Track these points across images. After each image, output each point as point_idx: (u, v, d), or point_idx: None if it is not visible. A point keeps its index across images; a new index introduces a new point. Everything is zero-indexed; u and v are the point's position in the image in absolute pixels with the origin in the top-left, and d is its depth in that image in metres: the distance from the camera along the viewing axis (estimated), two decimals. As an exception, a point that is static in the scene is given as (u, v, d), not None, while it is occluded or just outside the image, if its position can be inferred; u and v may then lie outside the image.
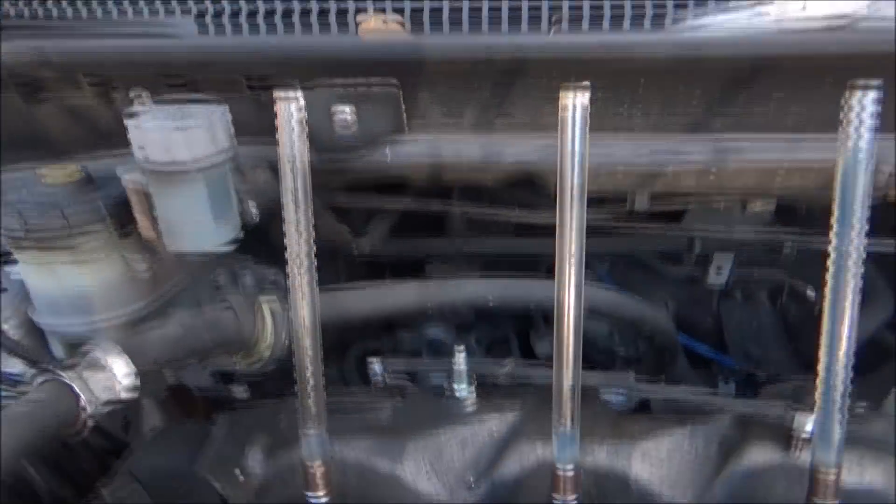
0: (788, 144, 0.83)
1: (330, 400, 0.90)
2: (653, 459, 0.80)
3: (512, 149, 0.86)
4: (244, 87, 0.87)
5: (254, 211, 0.90)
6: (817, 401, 0.68)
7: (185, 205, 0.80)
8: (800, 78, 0.79)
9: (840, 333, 0.65)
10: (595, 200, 1.32)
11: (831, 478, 0.69)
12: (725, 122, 0.84)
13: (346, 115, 0.86)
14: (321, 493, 0.72)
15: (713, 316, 1.63)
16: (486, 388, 0.90)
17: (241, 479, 0.79)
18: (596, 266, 1.42)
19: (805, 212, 1.48)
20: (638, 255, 1.37)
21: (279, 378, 0.85)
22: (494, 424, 0.84)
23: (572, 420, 0.71)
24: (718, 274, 1.53)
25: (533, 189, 1.11)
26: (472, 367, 0.89)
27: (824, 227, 0.65)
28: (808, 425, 0.76)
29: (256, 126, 0.89)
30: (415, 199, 1.25)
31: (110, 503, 0.76)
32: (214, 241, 0.84)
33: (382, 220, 1.33)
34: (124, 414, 1.08)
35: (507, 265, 1.11)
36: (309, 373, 0.71)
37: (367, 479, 0.80)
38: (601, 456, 0.80)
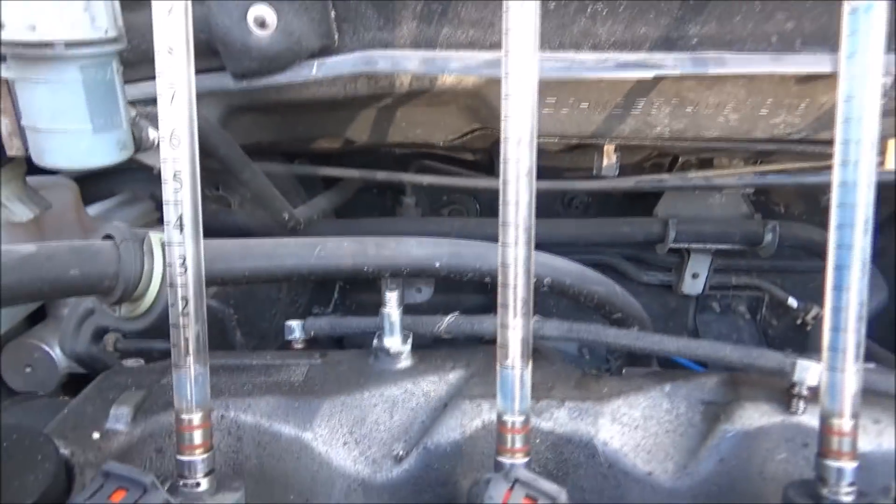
0: (774, 58, 0.72)
1: (232, 359, 0.74)
2: (625, 422, 0.65)
3: (456, 62, 0.74)
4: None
5: (154, 137, 0.76)
6: (825, 342, 0.55)
7: (57, 102, 0.66)
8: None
9: (852, 263, 0.53)
10: (555, 170, 1.21)
11: (846, 429, 0.55)
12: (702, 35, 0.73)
13: (264, 18, 0.73)
14: (197, 453, 0.55)
15: (689, 330, 1.51)
16: (429, 349, 0.75)
17: (96, 437, 0.61)
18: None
19: (784, 207, 1.39)
20: (609, 242, 1.24)
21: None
22: (432, 384, 0.68)
23: (522, 360, 0.56)
24: (695, 280, 1.41)
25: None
26: (409, 321, 0.74)
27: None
28: (813, 374, 0.62)
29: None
30: (366, 171, 1.13)
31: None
32: (94, 157, 0.69)
33: (331, 194, 1.21)
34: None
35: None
36: (190, 306, 0.55)
37: (268, 446, 0.63)
38: (562, 417, 0.64)
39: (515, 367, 0.56)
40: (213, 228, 1.16)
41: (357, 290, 1.48)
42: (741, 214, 1.26)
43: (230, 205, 1.23)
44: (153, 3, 0.51)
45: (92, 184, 1.17)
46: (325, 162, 1.19)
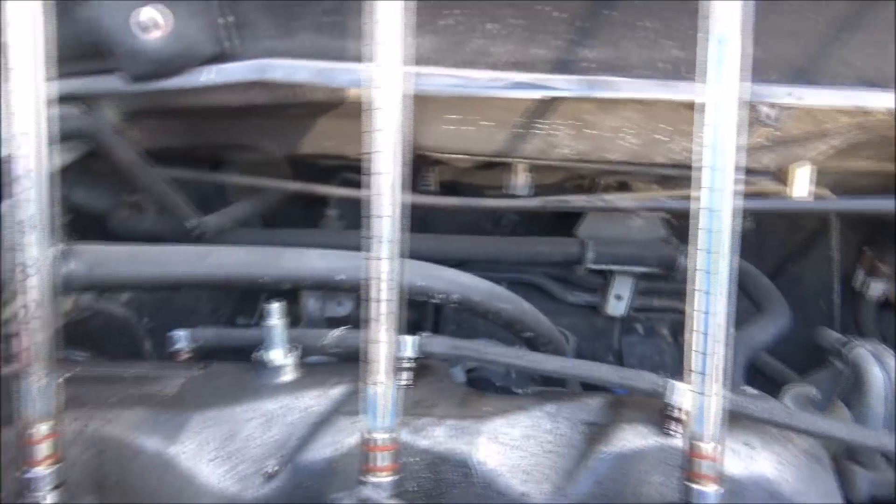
0: (663, 84, 0.74)
1: (103, 368, 0.71)
2: (504, 442, 0.64)
3: (346, 74, 0.73)
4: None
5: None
6: (691, 366, 0.55)
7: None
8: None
9: (716, 288, 0.54)
10: (475, 188, 1.22)
11: (708, 453, 0.55)
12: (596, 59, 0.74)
13: (155, 20, 0.71)
14: (41, 467, 0.52)
15: (615, 352, 1.52)
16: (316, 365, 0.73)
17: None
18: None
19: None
20: (528, 261, 1.24)
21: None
22: (313, 399, 0.66)
23: (387, 375, 0.55)
24: (618, 301, 1.43)
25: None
26: (297, 334, 0.72)
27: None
28: (687, 397, 0.62)
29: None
30: (278, 181, 1.11)
31: None
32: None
33: (245, 204, 1.18)
34: None
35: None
36: (38, 310, 0.52)
37: (130, 461, 0.60)
38: (440, 435, 0.63)
39: (380, 382, 0.54)
40: (119, 234, 1.12)
41: (288, 301, 1.45)
42: (658, 238, 1.28)
43: (142, 210, 1.20)
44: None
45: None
46: (254, 171, 1.16)
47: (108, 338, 1.04)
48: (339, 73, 0.72)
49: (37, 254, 0.51)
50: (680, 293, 1.42)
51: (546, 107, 0.78)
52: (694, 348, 0.55)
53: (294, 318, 1.45)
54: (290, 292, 1.48)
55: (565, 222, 1.40)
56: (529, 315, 0.88)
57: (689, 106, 0.76)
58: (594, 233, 1.27)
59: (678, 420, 0.63)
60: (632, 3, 0.68)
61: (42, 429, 0.52)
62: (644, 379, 0.64)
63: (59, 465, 0.53)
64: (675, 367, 1.51)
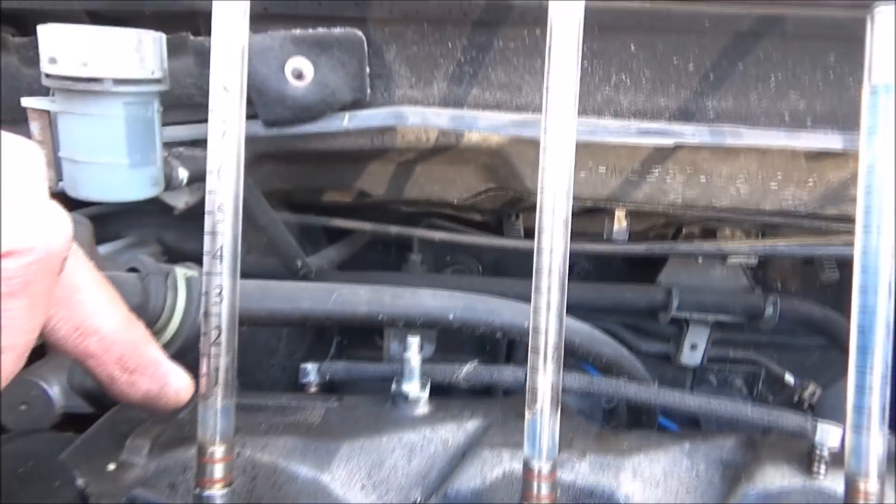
0: (787, 133, 0.76)
1: (249, 400, 0.73)
2: (646, 478, 0.64)
3: (484, 121, 0.77)
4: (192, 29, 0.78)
5: (183, 176, 0.78)
6: (849, 402, 0.56)
7: (98, 135, 0.67)
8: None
9: (876, 324, 0.55)
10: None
11: (872, 490, 0.55)
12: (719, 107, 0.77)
13: (301, 70, 0.76)
14: (216, 488, 0.54)
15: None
16: (444, 398, 0.75)
17: (111, 468, 0.59)
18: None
19: (781, 282, 1.42)
20: (612, 307, 1.25)
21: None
22: (450, 432, 0.68)
23: (551, 406, 0.56)
24: (693, 351, 1.42)
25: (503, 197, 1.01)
26: (427, 368, 0.74)
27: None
28: (835, 437, 0.63)
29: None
30: (378, 224, 1.15)
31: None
32: (128, 191, 0.70)
33: (340, 246, 1.22)
34: None
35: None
36: (223, 337, 0.55)
37: (283, 487, 0.62)
38: (583, 469, 0.64)
39: (544, 412, 0.56)
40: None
41: (354, 344, 1.47)
42: (741, 287, 1.28)
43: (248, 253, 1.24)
44: (212, 40, 0.54)
45: (98, 224, 1.17)
46: (333, 216, 1.21)
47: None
48: (475, 120, 0.76)
49: (230, 280, 0.54)
50: (756, 345, 1.43)
51: (664, 154, 0.81)
52: (852, 385, 0.56)
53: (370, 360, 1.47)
54: (363, 335, 1.51)
55: (637, 272, 1.42)
56: (627, 360, 0.89)
57: (808, 156, 0.79)
58: (675, 281, 1.29)
59: (825, 460, 0.63)
60: (768, 55, 0.71)
61: (220, 451, 0.54)
62: (788, 418, 0.65)
63: (229, 488, 0.55)
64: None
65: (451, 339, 1.35)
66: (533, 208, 1.04)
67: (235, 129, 0.54)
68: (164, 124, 0.81)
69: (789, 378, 1.40)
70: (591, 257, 1.44)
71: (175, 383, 0.52)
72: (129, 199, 0.71)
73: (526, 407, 0.56)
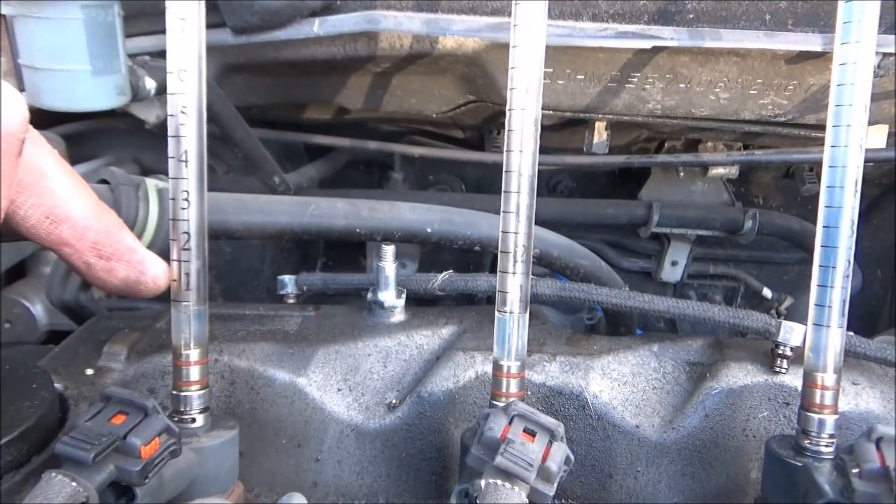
0: (767, 34, 0.75)
1: (225, 308, 0.74)
2: (614, 378, 0.66)
3: (458, 24, 0.75)
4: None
5: (151, 87, 0.76)
6: (812, 298, 0.57)
7: (57, 40, 0.65)
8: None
9: (840, 224, 0.55)
10: (545, 149, 1.23)
11: (829, 383, 0.57)
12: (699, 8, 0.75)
13: (268, -29, 0.73)
14: (193, 389, 0.55)
15: (666, 319, 1.53)
16: (422, 307, 0.76)
17: (89, 373, 0.61)
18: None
19: (762, 198, 1.43)
20: (594, 223, 1.26)
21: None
22: (425, 338, 0.69)
23: (520, 306, 0.57)
24: (674, 267, 1.44)
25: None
26: (403, 278, 0.75)
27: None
28: (798, 335, 0.64)
29: None
30: (358, 140, 1.14)
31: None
32: (92, 99, 0.68)
33: (320, 164, 1.21)
34: None
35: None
36: (192, 241, 0.55)
37: (261, 390, 0.63)
38: (553, 370, 0.66)
39: (513, 313, 0.57)
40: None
41: (339, 264, 1.48)
42: (722, 202, 1.29)
43: (215, 172, 1.23)
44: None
45: (74, 145, 1.15)
46: (313, 134, 1.19)
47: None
48: (449, 24, 0.74)
49: (196, 184, 0.54)
50: (736, 261, 1.45)
51: (643, 59, 0.80)
52: (815, 282, 0.57)
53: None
54: (347, 255, 1.51)
55: (621, 189, 1.42)
56: (605, 272, 0.90)
57: (789, 59, 0.78)
58: (657, 197, 1.29)
59: (787, 357, 0.65)
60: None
61: (195, 354, 0.55)
62: (754, 318, 0.66)
63: (206, 390, 0.56)
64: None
65: (434, 261, 1.36)
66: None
67: (195, 25, 0.52)
68: (129, 35, 0.78)
69: (767, 292, 1.43)
70: (574, 175, 1.43)
71: (152, 269, 0.52)
72: (94, 108, 0.69)
73: (496, 308, 0.57)
